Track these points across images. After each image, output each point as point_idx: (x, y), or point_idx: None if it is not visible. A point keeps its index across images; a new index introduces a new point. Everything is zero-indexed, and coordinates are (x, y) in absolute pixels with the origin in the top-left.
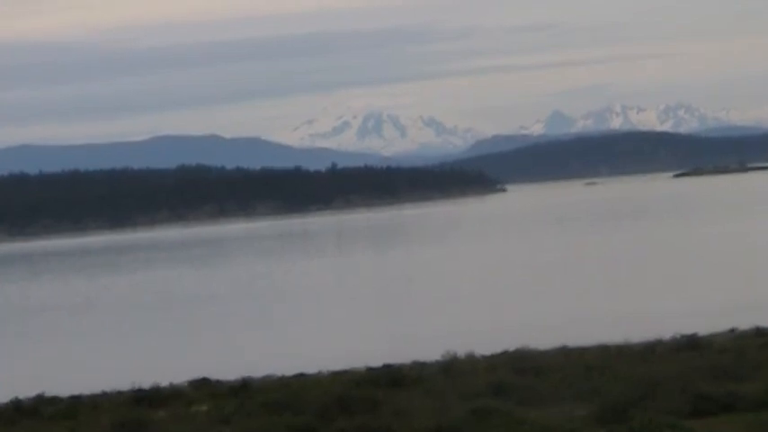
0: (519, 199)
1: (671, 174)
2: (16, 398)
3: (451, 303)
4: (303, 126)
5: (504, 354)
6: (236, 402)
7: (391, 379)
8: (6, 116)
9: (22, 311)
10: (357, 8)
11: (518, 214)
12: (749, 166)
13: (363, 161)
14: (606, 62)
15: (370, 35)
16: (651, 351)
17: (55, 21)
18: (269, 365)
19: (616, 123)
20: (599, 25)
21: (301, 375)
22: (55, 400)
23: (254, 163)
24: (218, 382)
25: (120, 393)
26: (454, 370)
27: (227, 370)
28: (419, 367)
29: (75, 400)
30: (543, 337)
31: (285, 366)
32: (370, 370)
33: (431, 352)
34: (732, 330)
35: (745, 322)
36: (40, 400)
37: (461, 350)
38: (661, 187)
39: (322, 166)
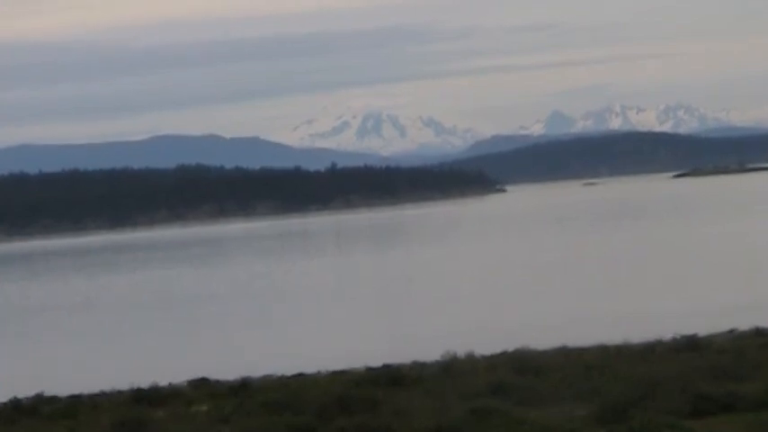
0: (519, 199)
1: (670, 174)
2: (15, 397)
3: (451, 303)
4: (303, 126)
5: (504, 354)
6: (236, 402)
7: (391, 379)
8: (6, 116)
9: (22, 311)
10: (357, 8)
11: (518, 214)
12: (749, 166)
13: (363, 161)
14: (606, 62)
15: (370, 35)
16: (651, 351)
17: (55, 21)
18: (268, 365)
19: (616, 123)
20: (599, 25)
21: (301, 375)
22: (54, 399)
23: (254, 163)
24: (217, 381)
25: (119, 393)
26: (454, 370)
27: (226, 370)
28: (419, 367)
29: (75, 400)
30: (543, 337)
31: (285, 366)
32: (369, 370)
33: (431, 352)
34: (732, 331)
35: (744, 322)
36: (40, 400)
37: (461, 350)
38: (661, 187)
39: (321, 165)
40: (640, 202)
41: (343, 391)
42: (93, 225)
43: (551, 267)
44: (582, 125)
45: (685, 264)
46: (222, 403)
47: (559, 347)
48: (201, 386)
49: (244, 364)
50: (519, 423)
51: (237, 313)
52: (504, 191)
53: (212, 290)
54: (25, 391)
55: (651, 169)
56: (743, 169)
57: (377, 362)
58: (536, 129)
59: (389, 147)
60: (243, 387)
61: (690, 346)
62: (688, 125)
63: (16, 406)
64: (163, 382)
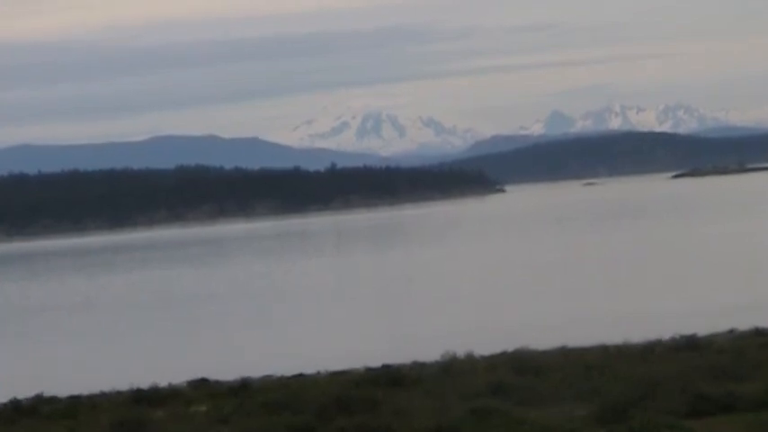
0: (518, 199)
1: (670, 174)
2: (15, 398)
3: (451, 303)
4: (302, 126)
5: (504, 354)
6: (235, 402)
7: (391, 379)
8: (6, 116)
9: (22, 311)
10: (357, 8)
11: (517, 214)
12: (748, 166)
13: (362, 161)
14: (606, 62)
15: (369, 35)
16: (651, 351)
17: (55, 21)
18: (268, 366)
19: (615, 124)
20: (599, 25)
21: (301, 376)
22: (54, 399)
23: (254, 163)
24: (217, 382)
25: (119, 393)
26: (454, 370)
27: (226, 370)
28: (419, 367)
29: (75, 400)
30: (543, 337)
31: (284, 366)
32: (369, 370)
33: (430, 352)
34: (731, 331)
35: (744, 322)
36: (39, 400)
37: (461, 350)
38: (660, 187)
39: (321, 166)
40: (640, 202)
41: (343, 391)
42: (93, 225)
43: (551, 267)
44: (581, 125)
45: (685, 264)
46: (222, 403)
47: (559, 347)
48: (201, 386)
49: (243, 364)
50: (519, 423)
51: (237, 313)
52: (503, 191)
53: (212, 290)
54: (25, 391)
55: (651, 169)
56: (742, 169)
57: (377, 362)
58: (536, 129)
59: (389, 147)
60: (243, 387)
61: (690, 346)
62: (687, 125)
63: (16, 406)
64: (162, 382)
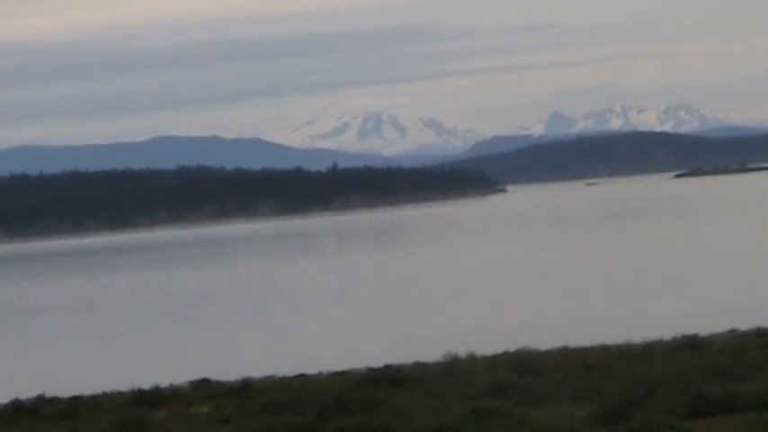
0: (519, 199)
1: (671, 174)
2: (16, 398)
3: (452, 303)
4: (303, 127)
5: (505, 354)
6: (237, 403)
7: (392, 379)
8: (6, 116)
9: (23, 311)
10: (357, 8)
11: (519, 215)
12: (749, 166)
13: (363, 161)
14: (606, 62)
15: (369, 35)
16: (651, 351)
17: (55, 21)
18: (269, 366)
19: (616, 124)
20: (599, 25)
21: (302, 376)
22: (55, 400)
23: (255, 163)
24: (218, 382)
25: (120, 394)
26: (455, 370)
27: (227, 370)
28: (420, 368)
29: (76, 401)
30: (544, 337)
31: (286, 367)
32: (370, 370)
33: (432, 352)
34: (732, 331)
35: (745, 322)
36: (41, 401)
37: (462, 350)
38: (661, 188)
39: (322, 166)
40: (641, 202)
41: (344, 391)
42: (94, 226)
43: (552, 267)
44: (582, 125)
45: (686, 264)
46: (223, 404)
47: (560, 347)
48: (202, 387)
49: (245, 364)
50: (519, 423)
51: (239, 314)
52: (504, 191)
53: (213, 290)
54: (26, 391)
55: (652, 169)
56: (743, 169)
57: (378, 362)
58: (536, 129)
59: (390, 147)
60: (244, 388)
61: (690, 346)
62: (688, 125)
63: (17, 407)
64: (164, 382)
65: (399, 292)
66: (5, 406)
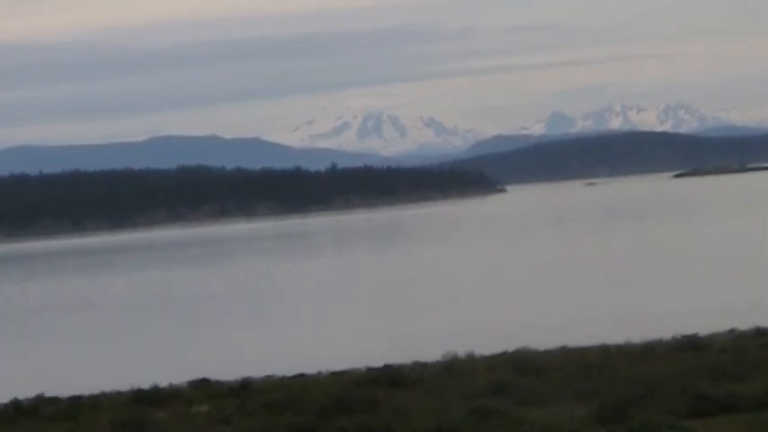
0: (519, 199)
1: (671, 174)
2: (16, 398)
3: (452, 303)
4: (303, 126)
5: (505, 354)
6: (237, 403)
7: (391, 379)
8: (6, 116)
9: (22, 311)
10: (357, 8)
11: (518, 215)
12: (749, 166)
13: (363, 161)
14: (606, 62)
15: (369, 35)
16: (651, 351)
17: (55, 21)
18: (269, 366)
19: (616, 123)
20: (599, 25)
21: (302, 376)
22: (55, 400)
23: (254, 163)
24: (218, 382)
25: (119, 394)
26: (455, 370)
27: (227, 370)
28: (420, 367)
29: (75, 401)
30: (543, 337)
31: (285, 367)
32: (370, 370)
33: (431, 352)
34: (732, 330)
35: (745, 322)
36: (40, 401)
37: (462, 350)
38: (661, 187)
39: (322, 166)
40: (641, 202)
41: (344, 391)
42: (94, 226)
43: (552, 267)
44: (582, 125)
45: (686, 264)
46: (223, 404)
47: (560, 347)
48: (202, 387)
49: (244, 364)
50: (519, 423)
51: (238, 314)
52: (504, 191)
53: (213, 290)
54: (26, 391)
55: (651, 169)
56: (743, 169)
57: (378, 362)
58: (536, 129)
59: (390, 147)
60: (244, 388)
61: (690, 345)
62: (688, 125)
63: (17, 407)
64: (163, 382)
65: (399, 291)
66: (5, 406)
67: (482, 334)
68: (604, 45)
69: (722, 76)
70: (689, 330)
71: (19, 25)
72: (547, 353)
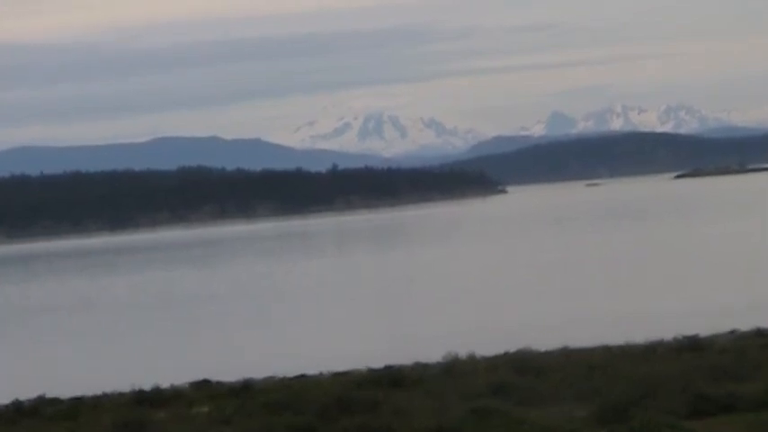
0: (520, 200)
1: (672, 175)
2: (17, 399)
3: (453, 304)
4: (304, 127)
5: (505, 354)
6: (237, 403)
7: (392, 380)
8: (7, 117)
9: (22, 312)
10: (357, 8)
11: (519, 215)
12: (750, 167)
13: (364, 162)
14: (606, 62)
15: (370, 35)
16: (652, 351)
17: (55, 21)
18: (270, 366)
19: (617, 124)
20: (599, 25)
21: (303, 376)
22: (56, 401)
23: (255, 164)
24: (218, 383)
25: (120, 394)
26: (455, 370)
27: (228, 371)
28: (421, 368)
29: (76, 401)
30: (544, 337)
31: (286, 367)
32: (371, 371)
33: (432, 353)
34: (733, 331)
35: (745, 323)
36: (41, 401)
37: (463, 351)
38: (662, 188)
39: (323, 167)
40: (641, 202)
41: (345, 391)
42: (94, 227)
43: (553, 268)
44: (583, 126)
45: (687, 264)
46: (223, 404)
47: (561, 348)
48: (203, 387)
49: (245, 365)
50: (519, 423)
51: (239, 314)
52: (505, 192)
53: (214, 291)
54: (27, 392)
55: (652, 170)
56: (744, 170)
57: (379, 363)
58: (537, 129)
59: (391, 148)
60: (244, 388)
61: (691, 346)
62: (689, 125)
63: (18, 407)
64: (164, 383)
65: (399, 292)
66: (6, 406)
67: (483, 334)
68: (604, 45)
69: (723, 76)
70: (690, 331)
71: (19, 25)
72: (547, 353)
